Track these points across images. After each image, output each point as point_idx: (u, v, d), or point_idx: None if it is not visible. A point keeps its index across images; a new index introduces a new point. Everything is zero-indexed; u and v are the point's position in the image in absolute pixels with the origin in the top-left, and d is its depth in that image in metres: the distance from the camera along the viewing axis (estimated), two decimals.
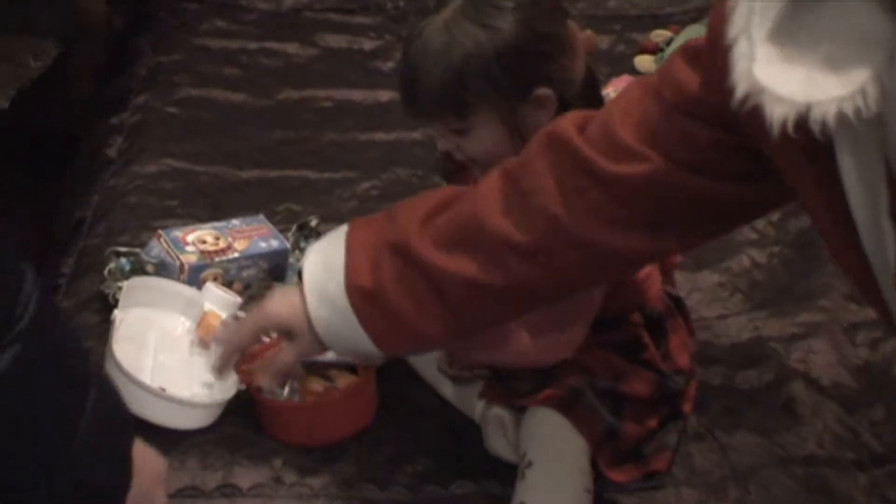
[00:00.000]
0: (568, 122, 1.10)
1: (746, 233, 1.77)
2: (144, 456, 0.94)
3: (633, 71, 2.27)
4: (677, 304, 1.46)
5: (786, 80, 0.75)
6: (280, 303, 1.25)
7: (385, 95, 2.21)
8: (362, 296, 1.16)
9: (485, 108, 1.27)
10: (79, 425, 0.80)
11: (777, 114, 0.75)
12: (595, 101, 1.34)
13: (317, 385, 1.39)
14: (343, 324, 1.18)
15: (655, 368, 1.37)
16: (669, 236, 1.09)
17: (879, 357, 1.52)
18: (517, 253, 1.10)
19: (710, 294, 1.66)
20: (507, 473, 1.29)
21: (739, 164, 0.96)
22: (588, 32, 1.34)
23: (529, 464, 1.27)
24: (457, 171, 1.42)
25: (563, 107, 1.29)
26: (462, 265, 1.12)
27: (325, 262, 1.20)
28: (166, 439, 1.28)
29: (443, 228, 1.14)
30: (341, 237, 1.22)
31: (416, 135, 2.07)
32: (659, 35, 2.37)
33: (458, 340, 1.26)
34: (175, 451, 1.30)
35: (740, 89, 0.77)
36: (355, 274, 1.17)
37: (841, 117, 0.72)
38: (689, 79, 0.98)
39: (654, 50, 2.32)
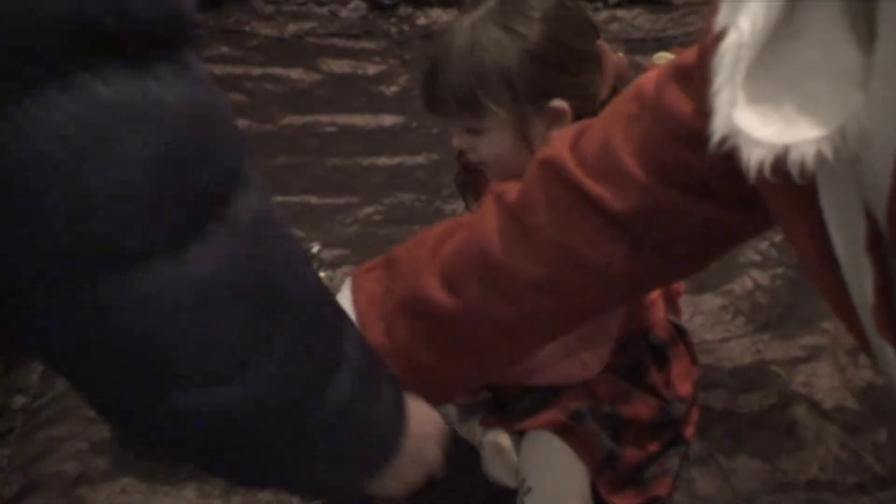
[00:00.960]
0: (563, 146, 1.07)
1: (749, 255, 1.77)
2: (415, 415, 0.96)
3: None
4: (680, 332, 1.45)
5: (763, 122, 0.73)
6: None
7: (388, 120, 2.21)
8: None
9: (499, 112, 1.26)
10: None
11: (754, 157, 0.73)
12: None
13: None
14: None
15: (657, 393, 1.36)
16: (678, 259, 1.07)
17: (882, 379, 1.51)
18: (530, 286, 1.07)
19: (713, 317, 1.66)
20: (508, 499, 1.28)
21: (741, 189, 0.95)
22: (620, 55, 1.34)
23: (529, 490, 1.26)
24: (473, 182, 1.41)
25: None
26: (475, 305, 1.10)
27: None
28: (165, 467, 1.28)
29: (449, 272, 1.12)
30: (348, 296, 1.18)
31: (420, 159, 2.08)
32: (661, 58, 2.35)
33: (490, 379, 1.24)
34: (173, 479, 1.30)
35: (718, 133, 0.76)
36: (370, 336, 1.13)
37: (820, 158, 0.71)
38: (682, 104, 0.95)
39: None
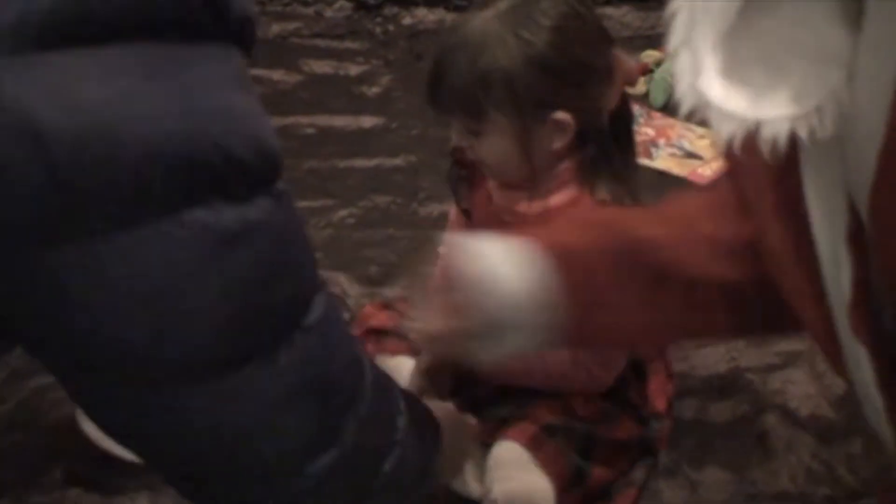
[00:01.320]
0: None
1: None
2: (448, 437, 1.04)
3: None
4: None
5: (734, 94, 0.70)
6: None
7: (368, 121, 2.19)
8: (564, 257, 0.92)
9: (500, 117, 1.24)
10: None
11: (724, 131, 0.70)
12: (623, 135, 1.30)
13: None
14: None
15: (635, 410, 1.34)
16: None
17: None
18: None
19: None
20: None
21: None
22: (633, 63, 1.31)
23: (494, 502, 1.24)
24: (467, 177, 1.38)
25: (582, 136, 1.26)
26: (708, 264, 0.91)
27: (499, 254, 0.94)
28: (118, 477, 1.27)
29: (668, 219, 0.95)
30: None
31: (398, 161, 2.06)
32: (649, 56, 2.35)
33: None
34: (126, 489, 1.29)
35: (685, 105, 0.73)
36: (555, 236, 0.94)
37: (794, 137, 0.68)
38: None
39: (645, 71, 2.29)
